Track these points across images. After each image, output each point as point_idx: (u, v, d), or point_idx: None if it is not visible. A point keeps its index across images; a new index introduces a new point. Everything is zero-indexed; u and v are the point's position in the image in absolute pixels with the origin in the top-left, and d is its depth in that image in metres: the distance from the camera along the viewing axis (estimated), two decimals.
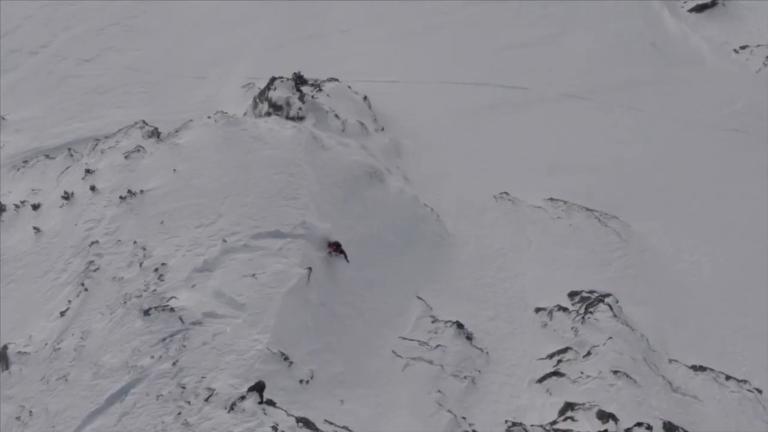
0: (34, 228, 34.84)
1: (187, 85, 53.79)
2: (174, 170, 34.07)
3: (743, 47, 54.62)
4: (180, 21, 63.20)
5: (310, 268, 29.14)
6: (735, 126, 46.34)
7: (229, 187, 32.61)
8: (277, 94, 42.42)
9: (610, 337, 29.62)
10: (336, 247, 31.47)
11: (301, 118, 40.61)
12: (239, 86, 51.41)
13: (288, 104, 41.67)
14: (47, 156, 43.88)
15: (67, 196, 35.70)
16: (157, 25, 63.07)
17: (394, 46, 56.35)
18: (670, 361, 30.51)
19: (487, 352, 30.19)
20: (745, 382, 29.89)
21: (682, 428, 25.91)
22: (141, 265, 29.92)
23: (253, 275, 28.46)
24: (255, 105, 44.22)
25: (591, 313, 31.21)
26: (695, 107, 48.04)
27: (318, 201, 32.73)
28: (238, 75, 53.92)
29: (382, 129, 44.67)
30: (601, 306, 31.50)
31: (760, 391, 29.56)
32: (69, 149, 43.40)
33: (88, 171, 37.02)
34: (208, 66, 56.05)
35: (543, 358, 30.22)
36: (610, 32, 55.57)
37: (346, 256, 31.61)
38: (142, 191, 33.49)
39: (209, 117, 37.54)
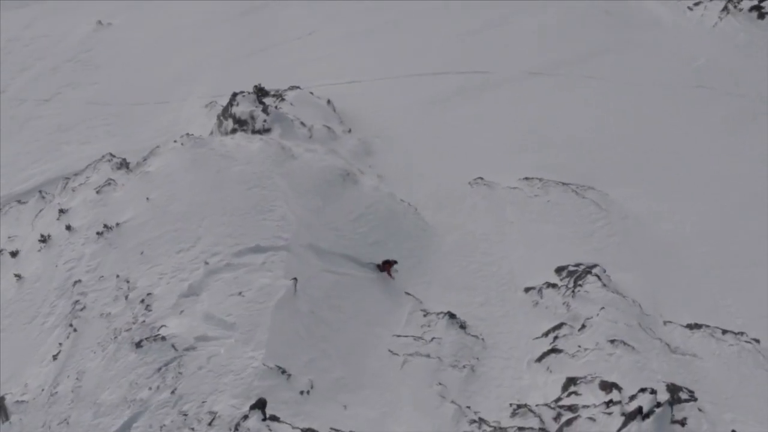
0: (15, 275, 34.44)
1: (150, 111, 53.53)
2: (147, 199, 33.88)
3: (697, 4, 55.23)
4: (134, 49, 63.16)
5: (295, 279, 28.96)
6: (699, 83, 46.79)
7: (204, 208, 32.47)
8: (241, 109, 42.30)
9: (603, 308, 29.62)
10: (389, 265, 32.95)
11: (267, 130, 40.58)
12: (202, 106, 51.32)
13: (252, 118, 41.58)
14: (19, 201, 43.44)
15: (44, 239, 35.36)
16: (112, 55, 62.97)
17: (349, 46, 56.60)
18: (665, 322, 30.57)
19: (483, 339, 30.12)
20: (741, 334, 29.97)
21: (686, 388, 25.95)
22: (127, 297, 29.66)
23: (240, 293, 28.30)
24: (220, 123, 44.04)
25: (580, 285, 31.26)
26: (657, 69, 48.46)
27: (295, 210, 32.64)
28: (200, 95, 53.81)
29: (349, 130, 44.59)
30: (590, 277, 31.55)
31: (758, 341, 29.64)
32: (40, 191, 42.90)
33: (61, 211, 36.68)
34: (168, 90, 55.82)
35: (539, 337, 30.17)
36: (562, 6, 56.13)
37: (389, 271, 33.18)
38: (118, 224, 33.23)
39: (175, 141, 37.45)
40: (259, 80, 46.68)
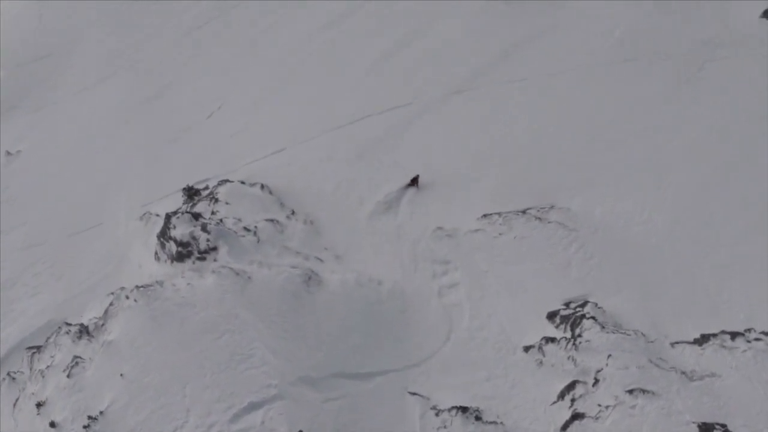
0: None
1: (87, 238, 51.57)
2: (121, 375, 32.54)
3: None
4: (50, 174, 60.75)
5: (301, 431, 27.87)
6: (625, 56, 45.08)
7: (181, 372, 31.26)
8: (179, 232, 40.49)
9: (610, 355, 28.93)
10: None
11: (213, 249, 39.02)
12: (137, 219, 49.39)
13: (194, 238, 39.92)
14: None
15: None
16: (31, 187, 60.54)
17: (262, 112, 54.47)
18: (673, 344, 29.87)
19: (502, 422, 29.29)
20: (749, 331, 29.40)
21: (717, 423, 25.31)
22: None
23: None
24: (162, 245, 42.24)
25: (580, 336, 30.35)
26: (578, 51, 46.70)
27: (272, 345, 31.60)
28: (130, 206, 51.80)
29: (293, 212, 42.82)
30: (586, 323, 30.71)
31: (767, 334, 28.98)
32: (9, 373, 41.12)
33: (38, 405, 35.24)
34: (98, 209, 53.61)
35: (555, 402, 29.34)
36: (462, 12, 53.90)
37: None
38: (101, 413, 31.89)
39: (127, 297, 35.98)
40: (182, 175, 45.27)
